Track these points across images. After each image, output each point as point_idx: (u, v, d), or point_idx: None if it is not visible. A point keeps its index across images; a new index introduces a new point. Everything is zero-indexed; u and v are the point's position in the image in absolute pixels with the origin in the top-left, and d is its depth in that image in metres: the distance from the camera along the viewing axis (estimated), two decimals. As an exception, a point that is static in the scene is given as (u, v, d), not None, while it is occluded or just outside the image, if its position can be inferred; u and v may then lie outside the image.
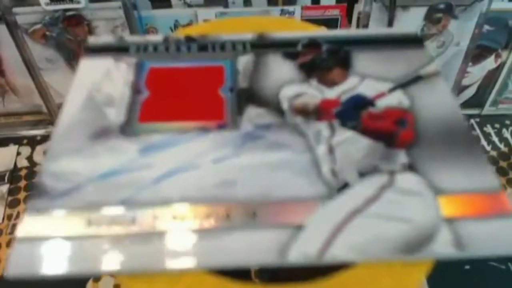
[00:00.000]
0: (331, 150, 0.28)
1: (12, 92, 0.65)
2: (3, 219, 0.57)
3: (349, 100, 0.30)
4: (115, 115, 0.30)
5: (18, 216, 0.57)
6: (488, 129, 0.69)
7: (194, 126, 0.29)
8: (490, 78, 0.67)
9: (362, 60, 0.33)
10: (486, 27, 0.59)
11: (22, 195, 0.60)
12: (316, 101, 0.30)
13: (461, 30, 0.59)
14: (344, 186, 0.26)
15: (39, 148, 0.66)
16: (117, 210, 0.24)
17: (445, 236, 0.23)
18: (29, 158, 0.65)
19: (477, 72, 0.66)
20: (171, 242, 0.23)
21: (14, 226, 0.56)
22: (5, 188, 0.60)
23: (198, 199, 0.25)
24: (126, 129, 0.29)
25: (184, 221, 0.24)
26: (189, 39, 0.35)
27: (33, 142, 0.67)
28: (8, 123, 0.68)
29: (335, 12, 0.60)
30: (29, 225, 0.24)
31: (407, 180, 0.26)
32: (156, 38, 0.35)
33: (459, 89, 0.66)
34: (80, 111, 0.30)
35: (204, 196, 0.25)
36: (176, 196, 0.25)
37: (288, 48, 0.34)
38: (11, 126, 0.68)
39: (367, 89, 0.31)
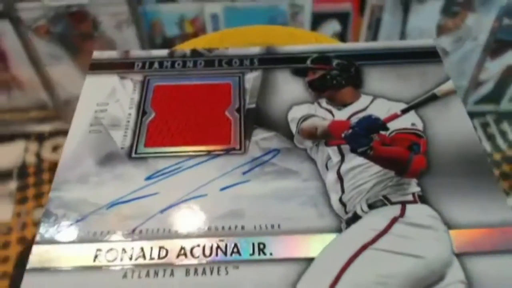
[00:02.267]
0: (340, 178, 0.27)
1: (17, 87, 0.64)
2: (12, 216, 0.57)
3: (359, 123, 0.28)
4: (122, 138, 0.29)
5: (27, 213, 0.57)
6: (505, 126, 0.66)
7: (201, 150, 0.28)
8: (509, 72, 0.64)
9: (374, 77, 0.32)
10: (506, 21, 0.56)
11: (31, 192, 0.59)
12: (325, 124, 0.29)
13: (480, 24, 0.56)
14: (354, 217, 0.25)
15: (47, 144, 0.66)
16: (125, 241, 0.24)
17: (457, 274, 0.23)
18: (37, 155, 0.64)
19: (494, 67, 0.63)
20: (178, 275, 0.23)
21: (23, 224, 0.56)
22: (13, 185, 0.60)
23: (206, 230, 0.25)
24: (133, 155, 0.28)
25: (191, 253, 0.24)
26: (195, 54, 0.34)
27: (40, 138, 0.67)
28: (15, 119, 0.68)
29: (347, 6, 0.57)
30: (38, 256, 0.24)
31: (418, 212, 0.25)
32: (161, 53, 0.34)
33: (475, 84, 0.64)
34: (86, 134, 0.29)
35: (212, 227, 0.25)
36: (184, 227, 0.25)
37: (296, 64, 0.33)
38: (18, 122, 0.68)
39: (379, 109, 0.30)
